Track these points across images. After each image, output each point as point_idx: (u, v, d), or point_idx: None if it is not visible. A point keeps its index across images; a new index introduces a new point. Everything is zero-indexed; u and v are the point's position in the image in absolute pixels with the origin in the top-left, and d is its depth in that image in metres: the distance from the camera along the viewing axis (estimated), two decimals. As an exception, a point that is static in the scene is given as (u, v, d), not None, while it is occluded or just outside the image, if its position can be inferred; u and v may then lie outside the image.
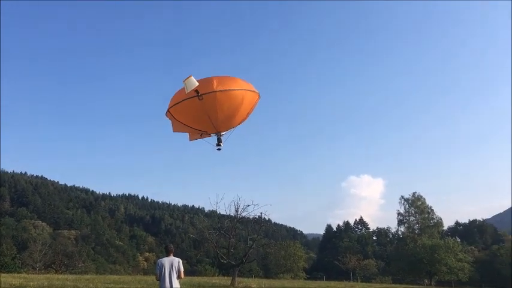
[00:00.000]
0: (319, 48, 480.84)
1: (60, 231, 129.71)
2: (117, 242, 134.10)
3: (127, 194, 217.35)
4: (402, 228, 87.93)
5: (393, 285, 61.67)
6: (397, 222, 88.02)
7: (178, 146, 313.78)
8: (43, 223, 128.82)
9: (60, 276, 36.27)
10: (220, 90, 9.24)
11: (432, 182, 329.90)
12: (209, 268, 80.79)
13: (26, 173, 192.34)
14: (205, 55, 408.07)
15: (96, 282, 25.91)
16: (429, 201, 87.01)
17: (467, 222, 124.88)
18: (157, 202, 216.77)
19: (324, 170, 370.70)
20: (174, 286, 9.68)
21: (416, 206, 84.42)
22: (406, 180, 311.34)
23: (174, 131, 10.52)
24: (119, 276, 42.81)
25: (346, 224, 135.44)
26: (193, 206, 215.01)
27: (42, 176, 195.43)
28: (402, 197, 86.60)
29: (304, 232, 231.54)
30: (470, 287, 68.69)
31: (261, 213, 33.80)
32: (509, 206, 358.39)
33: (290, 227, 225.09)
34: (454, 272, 65.09)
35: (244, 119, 10.38)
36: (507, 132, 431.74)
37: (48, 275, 37.46)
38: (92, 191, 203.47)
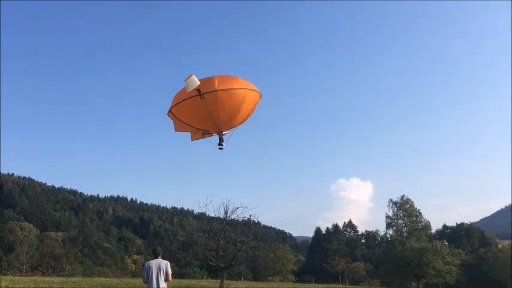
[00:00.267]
0: (308, 49, 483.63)
1: (47, 233, 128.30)
2: (105, 244, 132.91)
3: (115, 196, 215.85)
4: (390, 231, 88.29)
5: (381, 288, 62.02)
6: (385, 225, 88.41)
7: (169, 147, 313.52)
8: (30, 225, 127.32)
9: (46, 278, 35.85)
10: (221, 89, 9.27)
11: (421, 185, 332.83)
12: (198, 271, 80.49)
13: (13, 174, 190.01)
14: (205, 54, 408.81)
15: (83, 284, 25.68)
16: (417, 205, 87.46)
17: (454, 225, 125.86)
18: (146, 204, 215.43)
19: (314, 172, 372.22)
20: (161, 289, 9.62)
21: (404, 209, 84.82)
22: (394, 183, 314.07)
23: (176, 130, 10.53)
24: (106, 279, 42.47)
25: (335, 226, 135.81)
26: (182, 208, 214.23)
27: (29, 177, 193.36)
28: (391, 200, 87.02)
29: (294, 235, 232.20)
30: (457, 290, 69.26)
31: (250, 215, 33.79)
32: (496, 210, 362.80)
33: (279, 230, 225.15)
34: (442, 275, 65.51)
35: (245, 119, 10.41)
36: (496, 134, 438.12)
37: (34, 278, 37.02)
38: (80, 192, 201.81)
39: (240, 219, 33.95)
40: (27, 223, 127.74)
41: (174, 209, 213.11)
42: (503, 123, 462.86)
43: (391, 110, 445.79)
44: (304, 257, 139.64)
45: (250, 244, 42.00)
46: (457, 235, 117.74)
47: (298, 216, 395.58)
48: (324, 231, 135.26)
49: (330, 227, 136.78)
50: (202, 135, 10.53)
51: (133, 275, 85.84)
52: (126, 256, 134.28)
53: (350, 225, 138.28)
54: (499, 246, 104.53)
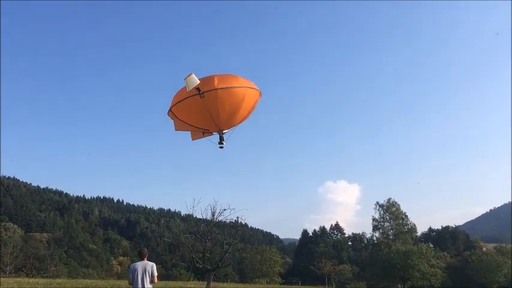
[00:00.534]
0: (295, 49, 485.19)
1: (32, 234, 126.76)
2: (91, 246, 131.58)
3: (102, 197, 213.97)
4: (377, 234, 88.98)
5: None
6: (372, 227, 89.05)
7: (157, 148, 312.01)
8: (14, 225, 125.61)
9: (30, 280, 35.45)
10: (221, 88, 9.29)
11: (407, 188, 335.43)
12: (184, 272, 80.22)
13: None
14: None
15: (67, 286, 25.49)
16: (403, 208, 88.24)
17: (440, 228, 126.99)
18: (133, 205, 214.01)
19: (301, 175, 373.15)
20: (146, 291, 9.57)
21: (391, 212, 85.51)
22: (381, 186, 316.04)
23: (177, 129, 10.52)
24: (91, 281, 42.14)
25: (322, 229, 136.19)
26: (169, 209, 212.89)
27: (14, 177, 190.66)
28: (377, 203, 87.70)
29: (281, 237, 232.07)
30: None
31: (238, 217, 33.80)
32: (481, 213, 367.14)
33: (267, 232, 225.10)
34: (427, 277, 66.17)
35: (245, 117, 10.42)
36: (481, 140, 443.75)
37: (18, 279, 36.59)
38: (66, 193, 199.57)
39: (227, 221, 33.96)
40: (12, 224, 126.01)
41: (161, 210, 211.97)
42: (488, 129, 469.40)
43: (377, 113, 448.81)
44: (291, 259, 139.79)
45: (237, 246, 42.03)
46: (442, 238, 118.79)
47: (285, 218, 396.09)
48: (311, 234, 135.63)
49: (317, 229, 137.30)
50: (203, 134, 10.55)
51: (119, 276, 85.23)
52: (112, 257, 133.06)
53: (337, 227, 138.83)
54: (484, 249, 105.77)
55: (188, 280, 65.76)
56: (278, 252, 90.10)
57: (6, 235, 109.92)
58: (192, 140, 10.75)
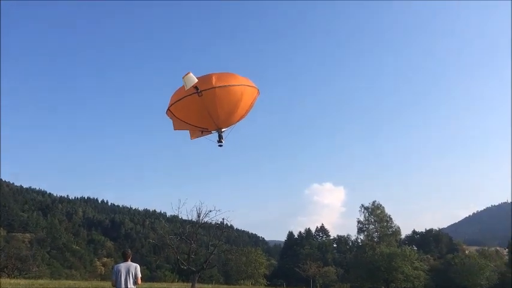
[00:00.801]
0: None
1: (14, 234, 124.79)
2: (74, 247, 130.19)
3: (86, 197, 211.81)
4: (362, 236, 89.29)
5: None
6: (357, 230, 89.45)
7: (142, 149, 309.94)
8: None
9: (12, 281, 34.97)
10: (219, 86, 9.27)
11: (392, 191, 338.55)
12: (169, 274, 79.82)
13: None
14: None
15: (50, 287, 25.14)
16: (388, 210, 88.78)
17: (424, 231, 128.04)
18: (118, 206, 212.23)
19: (288, 177, 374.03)
20: (129, 292, 9.50)
21: (375, 214, 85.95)
22: (366, 188, 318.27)
23: (175, 129, 10.46)
24: (74, 282, 41.78)
25: (308, 231, 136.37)
26: (154, 210, 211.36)
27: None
28: (362, 205, 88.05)
29: (266, 239, 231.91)
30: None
31: (223, 219, 33.78)
32: (464, 217, 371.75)
33: (252, 234, 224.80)
34: (410, 279, 66.73)
35: (244, 115, 10.42)
36: (465, 144, 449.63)
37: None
38: (49, 193, 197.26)
39: (213, 222, 33.91)
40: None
41: (146, 211, 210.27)
42: (473, 135, 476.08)
43: (365, 119, 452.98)
44: (277, 261, 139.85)
45: (222, 247, 42.00)
46: (426, 241, 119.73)
47: (271, 220, 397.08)
48: (296, 236, 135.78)
49: (303, 231, 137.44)
50: (202, 133, 10.54)
51: (103, 278, 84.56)
52: (96, 259, 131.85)
53: (322, 229, 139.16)
54: (466, 252, 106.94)
55: (173, 282, 65.46)
56: (263, 254, 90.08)
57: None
58: (191, 139, 10.78)
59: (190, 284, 33.84)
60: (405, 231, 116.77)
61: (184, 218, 35.20)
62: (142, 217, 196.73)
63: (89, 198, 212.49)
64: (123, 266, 9.63)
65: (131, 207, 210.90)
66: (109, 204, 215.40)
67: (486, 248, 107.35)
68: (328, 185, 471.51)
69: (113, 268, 10.09)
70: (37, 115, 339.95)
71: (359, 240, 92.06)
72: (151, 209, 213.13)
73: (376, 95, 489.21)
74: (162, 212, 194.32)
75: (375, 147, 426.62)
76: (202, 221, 33.23)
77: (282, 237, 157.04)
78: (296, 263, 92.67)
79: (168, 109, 9.89)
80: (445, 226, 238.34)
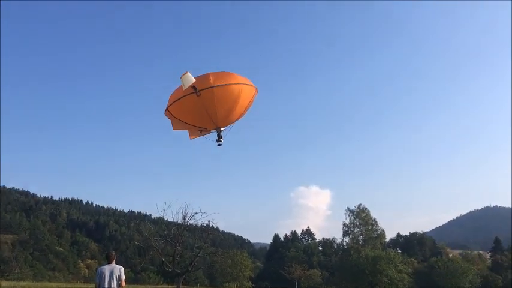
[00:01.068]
0: (274, 55, 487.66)
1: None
2: (57, 248, 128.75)
3: (70, 198, 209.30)
4: (347, 239, 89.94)
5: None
6: (342, 233, 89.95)
7: (127, 149, 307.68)
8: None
9: (-7, 283, 34.41)
10: (217, 85, 9.29)
11: (377, 195, 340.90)
12: (153, 276, 79.31)
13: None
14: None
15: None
16: (373, 214, 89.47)
17: (408, 234, 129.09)
18: (103, 207, 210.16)
19: (274, 179, 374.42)
20: (113, 295, 9.45)
21: (360, 217, 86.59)
22: (352, 192, 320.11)
23: (174, 129, 10.46)
24: (57, 284, 41.32)
25: (294, 234, 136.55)
26: (140, 212, 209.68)
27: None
28: (348, 208, 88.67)
29: (252, 241, 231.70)
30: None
31: (209, 221, 33.76)
32: (448, 220, 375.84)
33: (238, 236, 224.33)
34: (394, 282, 67.25)
35: (242, 114, 10.43)
36: (449, 149, 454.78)
37: (-20, 282, 35.45)
38: (33, 194, 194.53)
39: (199, 224, 33.86)
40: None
41: (131, 212, 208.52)
42: (456, 138, 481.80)
43: (351, 122, 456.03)
44: (262, 263, 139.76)
45: (208, 250, 41.88)
46: (410, 244, 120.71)
47: (257, 223, 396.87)
48: (282, 238, 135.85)
49: (289, 234, 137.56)
50: (201, 132, 10.55)
51: (86, 280, 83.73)
52: (80, 260, 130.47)
53: (308, 232, 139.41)
54: (450, 255, 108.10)
55: (157, 284, 65.10)
56: (249, 256, 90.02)
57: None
58: (190, 138, 10.79)
59: (175, 286, 33.71)
60: (390, 235, 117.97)
61: (170, 220, 35.06)
62: (128, 219, 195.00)
63: (73, 199, 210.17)
64: (107, 268, 9.58)
65: (116, 208, 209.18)
66: (94, 205, 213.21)
67: (469, 252, 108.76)
68: (314, 188, 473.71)
69: (96, 270, 10.03)
70: (20, 115, 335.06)
71: (344, 243, 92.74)
72: (136, 210, 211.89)
73: (359, 99, 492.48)
74: (148, 213, 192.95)
75: (361, 150, 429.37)
76: (188, 223, 33.19)
77: (268, 240, 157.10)
78: (281, 265, 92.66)
79: (167, 109, 9.92)
80: (429, 230, 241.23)
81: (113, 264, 9.73)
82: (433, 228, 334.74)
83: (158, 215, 37.08)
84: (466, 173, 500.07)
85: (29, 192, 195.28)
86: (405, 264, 76.09)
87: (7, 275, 57.30)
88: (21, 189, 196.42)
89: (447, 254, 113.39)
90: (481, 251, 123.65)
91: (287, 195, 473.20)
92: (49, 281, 64.91)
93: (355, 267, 69.25)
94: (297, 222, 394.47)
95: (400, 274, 67.93)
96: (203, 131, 10.46)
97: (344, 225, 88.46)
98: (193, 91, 9.08)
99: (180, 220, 33.37)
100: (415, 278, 79.86)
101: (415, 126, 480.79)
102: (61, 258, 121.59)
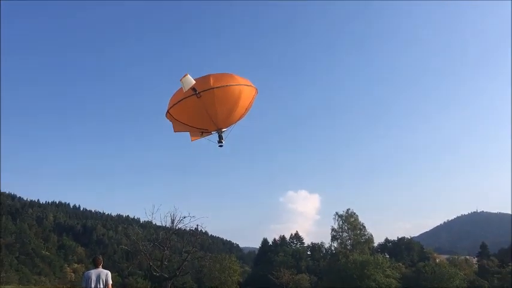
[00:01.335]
0: (265, 56, 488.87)
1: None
2: (44, 252, 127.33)
3: (57, 202, 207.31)
4: (335, 244, 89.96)
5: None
6: (330, 237, 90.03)
7: (115, 152, 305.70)
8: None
9: (-23, 287, 33.96)
10: (217, 87, 9.35)
11: (366, 199, 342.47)
12: (141, 281, 78.72)
13: None
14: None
15: (17, 294, 24.54)
16: (362, 218, 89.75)
17: (396, 239, 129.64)
18: (90, 211, 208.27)
19: (263, 184, 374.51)
20: (100, 299, 9.39)
21: (349, 222, 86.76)
22: (341, 196, 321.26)
23: (175, 131, 10.53)
24: (43, 288, 40.78)
25: (282, 238, 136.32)
26: (128, 216, 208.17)
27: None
28: (336, 213, 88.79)
29: (241, 245, 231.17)
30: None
31: (198, 225, 33.63)
32: (435, 225, 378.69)
33: (227, 240, 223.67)
34: (382, 287, 67.42)
35: (243, 114, 10.49)
36: (435, 154, 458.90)
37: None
38: (19, 197, 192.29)
39: (187, 228, 33.71)
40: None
41: (119, 216, 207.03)
42: (444, 143, 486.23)
43: (342, 127, 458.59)
44: (250, 268, 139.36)
45: (196, 254, 41.66)
46: (398, 249, 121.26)
47: (246, 227, 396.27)
48: (270, 243, 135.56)
49: (277, 238, 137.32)
50: (202, 134, 10.58)
51: (73, 284, 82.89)
52: (66, 265, 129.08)
53: (297, 237, 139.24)
54: (437, 260, 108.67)
55: (145, 288, 64.62)
56: (237, 261, 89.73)
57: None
58: (192, 140, 10.81)
59: (163, 291, 33.50)
60: (378, 240, 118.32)
61: (158, 224, 34.88)
62: (115, 222, 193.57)
63: (60, 202, 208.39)
64: (93, 273, 9.53)
65: (104, 212, 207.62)
66: (81, 209, 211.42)
67: (456, 257, 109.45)
68: (303, 193, 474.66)
69: (83, 275, 9.97)
70: (5, 118, 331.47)
71: (333, 248, 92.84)
72: (124, 214, 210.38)
73: (350, 103, 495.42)
74: (136, 217, 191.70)
75: (350, 155, 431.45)
76: (176, 227, 33.04)
77: (257, 244, 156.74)
78: (270, 270, 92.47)
79: (168, 112, 9.94)
80: (417, 235, 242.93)
81: (100, 269, 9.68)
82: (421, 233, 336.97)
83: (146, 219, 36.96)
84: (453, 178, 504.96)
85: (15, 195, 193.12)
86: (393, 269, 76.39)
87: (-8, 279, 56.59)
88: (7, 192, 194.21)
89: (434, 259, 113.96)
90: (467, 256, 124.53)
91: (276, 200, 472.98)
92: (35, 285, 64.32)
93: (343, 271, 69.37)
94: (286, 226, 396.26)
95: (387, 279, 68.19)
96: (204, 132, 10.50)
97: (332, 229, 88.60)
98: (194, 93, 9.12)
99: (168, 224, 33.24)
100: (403, 282, 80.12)
101: (403, 132, 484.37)
102: (47, 262, 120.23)
